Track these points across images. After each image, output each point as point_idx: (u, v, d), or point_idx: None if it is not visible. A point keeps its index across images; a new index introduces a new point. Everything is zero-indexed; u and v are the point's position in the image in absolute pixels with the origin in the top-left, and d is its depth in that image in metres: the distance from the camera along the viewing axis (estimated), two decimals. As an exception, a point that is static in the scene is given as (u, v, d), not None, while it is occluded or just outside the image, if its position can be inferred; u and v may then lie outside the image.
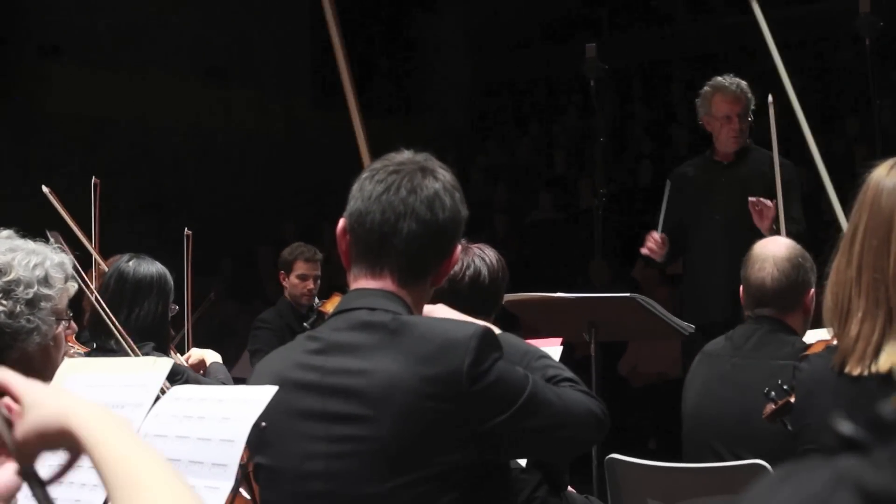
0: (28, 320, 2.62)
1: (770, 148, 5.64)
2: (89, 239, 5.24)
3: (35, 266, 2.65)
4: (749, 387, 3.85)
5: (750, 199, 5.81)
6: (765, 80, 6.08)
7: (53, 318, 2.68)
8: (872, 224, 2.42)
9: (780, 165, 5.68)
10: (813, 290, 4.08)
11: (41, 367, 2.64)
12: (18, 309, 2.61)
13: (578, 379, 2.62)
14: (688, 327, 5.13)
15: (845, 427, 0.87)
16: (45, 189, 4.85)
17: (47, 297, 2.65)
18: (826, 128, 12.82)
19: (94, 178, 5.25)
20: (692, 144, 11.66)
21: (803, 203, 6.26)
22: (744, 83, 6.23)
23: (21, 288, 2.61)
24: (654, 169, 13.96)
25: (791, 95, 3.65)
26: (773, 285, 4.04)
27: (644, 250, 6.21)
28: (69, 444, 1.46)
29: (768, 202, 5.75)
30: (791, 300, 4.07)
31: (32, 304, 2.62)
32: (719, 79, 6.29)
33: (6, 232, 2.73)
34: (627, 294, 5.19)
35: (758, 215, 5.78)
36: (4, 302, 2.60)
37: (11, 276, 2.61)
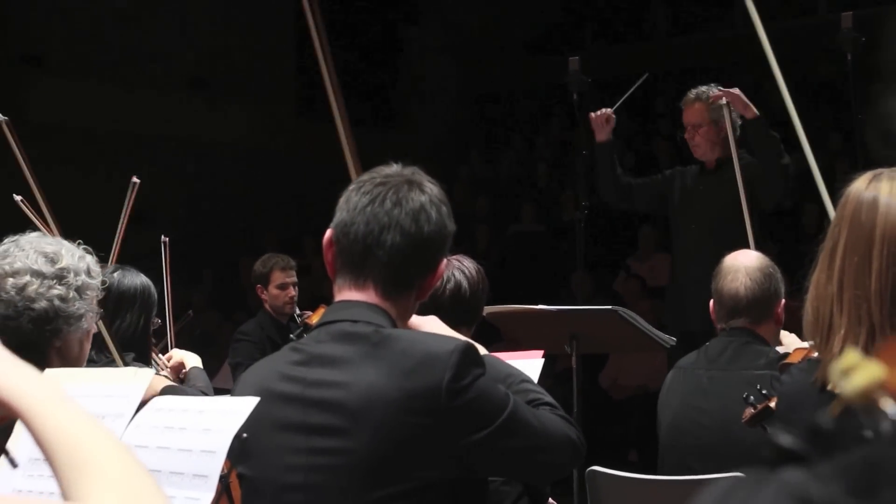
0: (78, 307, 2.74)
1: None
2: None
3: (80, 257, 2.79)
4: (726, 398, 3.87)
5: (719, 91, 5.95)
6: (748, 93, 6.09)
7: (94, 307, 2.80)
8: (852, 239, 2.41)
9: (743, 167, 5.72)
10: (783, 301, 4.11)
11: (77, 358, 2.77)
12: (71, 294, 2.72)
13: (558, 404, 2.60)
14: (669, 340, 5.15)
15: (785, 439, 0.87)
16: (16, 197, 4.81)
17: (92, 287, 2.78)
18: (808, 142, 12.86)
19: (133, 177, 5.21)
20: (674, 157, 11.69)
21: (784, 216, 6.28)
22: (708, 93, 6.21)
23: (72, 275, 2.73)
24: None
25: (790, 107, 3.68)
26: (746, 294, 4.06)
27: (592, 115, 6.34)
28: (5, 410, 1.40)
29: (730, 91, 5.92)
30: (764, 310, 4.09)
31: (81, 291, 2.74)
32: (693, 89, 6.32)
33: (35, 234, 2.87)
34: (609, 307, 5.20)
35: (739, 105, 5.90)
36: (59, 287, 2.71)
37: (63, 264, 2.73)
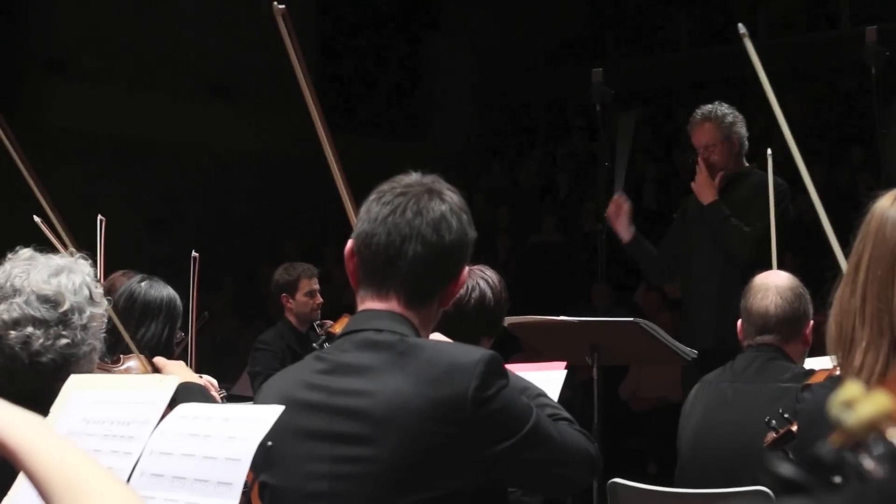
0: (88, 344, 2.62)
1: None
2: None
3: (79, 287, 2.62)
4: (751, 411, 3.86)
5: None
6: (767, 106, 6.06)
7: (102, 334, 2.69)
8: (877, 254, 2.42)
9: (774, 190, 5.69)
10: (812, 322, 4.11)
11: None
12: (79, 336, 2.60)
13: (573, 419, 2.61)
14: (690, 352, 5.13)
15: (785, 469, 0.85)
16: (36, 219, 4.79)
17: (97, 316, 2.66)
18: (831, 156, 12.84)
19: (99, 216, 5.19)
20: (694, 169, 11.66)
21: (805, 232, 6.26)
22: (718, 110, 6.16)
23: (76, 315, 2.59)
24: (658, 193, 13.98)
25: (784, 129, 3.66)
26: (776, 312, 4.06)
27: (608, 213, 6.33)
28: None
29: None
30: (793, 329, 4.09)
31: (87, 327, 2.62)
32: (697, 110, 6.26)
33: (27, 252, 2.68)
34: (630, 318, 5.19)
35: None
36: (65, 333, 2.58)
37: (66, 306, 2.58)
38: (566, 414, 2.62)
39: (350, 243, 2.52)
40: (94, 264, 2.79)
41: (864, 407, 0.86)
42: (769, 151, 5.24)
